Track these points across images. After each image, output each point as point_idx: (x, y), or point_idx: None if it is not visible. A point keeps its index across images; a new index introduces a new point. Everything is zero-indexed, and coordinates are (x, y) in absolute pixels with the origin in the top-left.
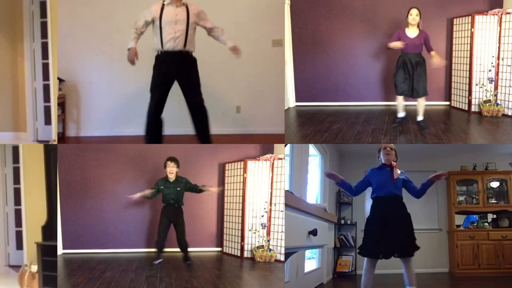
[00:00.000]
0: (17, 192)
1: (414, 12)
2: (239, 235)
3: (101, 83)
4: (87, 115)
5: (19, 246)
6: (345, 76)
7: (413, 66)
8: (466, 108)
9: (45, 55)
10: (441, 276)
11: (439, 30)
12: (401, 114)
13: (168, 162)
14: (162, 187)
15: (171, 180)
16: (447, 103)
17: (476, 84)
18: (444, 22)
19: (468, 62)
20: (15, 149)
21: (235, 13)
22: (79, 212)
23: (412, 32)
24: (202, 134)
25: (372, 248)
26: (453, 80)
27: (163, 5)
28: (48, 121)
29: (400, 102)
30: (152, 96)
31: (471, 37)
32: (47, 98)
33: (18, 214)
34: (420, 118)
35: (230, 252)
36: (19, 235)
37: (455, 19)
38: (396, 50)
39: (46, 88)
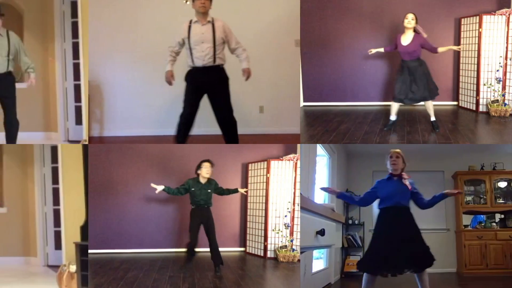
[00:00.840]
0: (55, 192)
1: (410, 16)
2: (262, 235)
3: (124, 84)
4: (110, 116)
5: (58, 246)
6: (353, 76)
7: (412, 72)
8: (474, 108)
9: (75, 55)
10: (449, 276)
11: (446, 30)
12: (393, 117)
13: (205, 164)
14: (193, 188)
15: (203, 182)
16: (455, 103)
17: (484, 84)
18: (451, 22)
19: (476, 62)
20: (54, 149)
21: (258, 14)
22: (102, 212)
23: (406, 38)
24: (231, 141)
25: (376, 264)
26: (461, 80)
27: (190, 24)
28: (79, 121)
29: (394, 106)
30: (184, 109)
31: (479, 37)
32: (78, 98)
33: (56, 214)
34: (432, 118)
35: (253, 252)
36: (57, 235)
37: (462, 19)
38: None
39: (77, 88)
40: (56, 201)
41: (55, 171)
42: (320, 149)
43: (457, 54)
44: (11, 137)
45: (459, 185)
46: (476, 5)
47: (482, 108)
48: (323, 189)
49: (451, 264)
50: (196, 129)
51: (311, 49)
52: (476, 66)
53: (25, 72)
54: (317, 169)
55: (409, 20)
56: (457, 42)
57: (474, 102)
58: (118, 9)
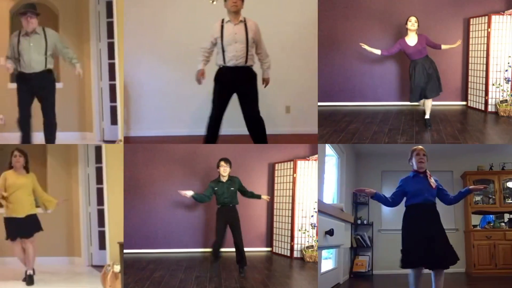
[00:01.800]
0: (99, 192)
1: (413, 19)
2: (289, 235)
3: (150, 84)
4: (136, 116)
5: (102, 246)
6: (361, 76)
7: (424, 68)
8: (483, 108)
9: (111, 55)
10: (458, 276)
11: (455, 30)
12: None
13: (222, 163)
14: (216, 188)
15: (224, 180)
16: (464, 103)
17: (493, 84)
18: (460, 22)
19: (484, 62)
20: (98, 149)
21: (285, 13)
22: (129, 212)
23: (412, 39)
24: (259, 141)
25: (416, 257)
26: (469, 80)
27: (222, 24)
28: (114, 121)
29: (427, 105)
30: (213, 109)
31: (488, 37)
32: (113, 98)
33: (101, 214)
34: (427, 116)
35: (279, 252)
36: (102, 235)
37: (471, 19)
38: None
39: (112, 88)
40: (100, 201)
41: (99, 171)
42: (329, 149)
43: (466, 54)
44: (50, 137)
45: (468, 185)
46: (485, 5)
47: (491, 108)
48: (357, 190)
49: (460, 264)
50: (223, 129)
51: (320, 49)
52: (485, 66)
53: (70, 64)
54: (326, 168)
55: (413, 23)
56: (466, 42)
57: (483, 102)
58: (143, 9)
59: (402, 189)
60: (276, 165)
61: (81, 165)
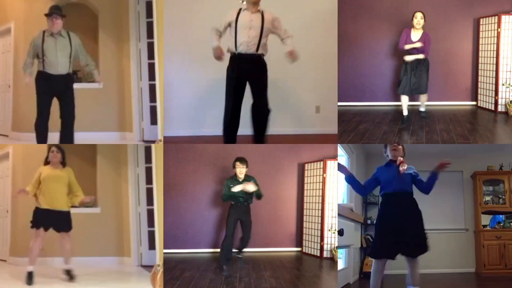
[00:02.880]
0: (149, 192)
1: (419, 15)
2: (319, 235)
3: (179, 84)
4: (165, 116)
5: (152, 246)
6: (371, 76)
7: (415, 66)
8: (493, 108)
9: (150, 55)
10: (468, 276)
11: (465, 30)
12: (405, 112)
13: (237, 163)
14: (231, 185)
15: (240, 180)
16: (474, 103)
17: (503, 84)
18: (470, 22)
19: (494, 62)
20: (148, 150)
21: (310, 12)
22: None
23: (416, 35)
24: (258, 135)
25: (382, 249)
26: (479, 80)
27: (239, 10)
28: (154, 121)
29: (404, 100)
30: (227, 101)
31: (498, 37)
32: (153, 98)
33: (150, 214)
34: (422, 109)
35: (309, 252)
36: (151, 236)
37: (481, 19)
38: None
39: (152, 88)
40: (149, 201)
41: (148, 171)
42: (339, 149)
43: (475, 54)
44: (67, 138)
45: (478, 185)
46: (494, 5)
47: (500, 108)
48: (339, 167)
49: (470, 264)
50: (247, 130)
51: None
52: (494, 66)
53: (89, 72)
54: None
55: (418, 20)
56: (476, 42)
57: (493, 102)
58: (171, 9)
59: (375, 177)
60: (306, 165)
61: (130, 165)
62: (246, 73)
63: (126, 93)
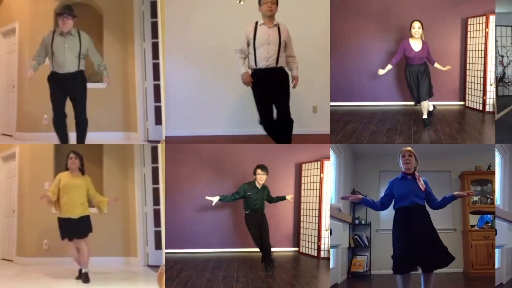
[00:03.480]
0: (155, 192)
1: (416, 25)
2: (316, 235)
3: (179, 84)
4: (169, 116)
5: (158, 246)
6: (359, 76)
7: (417, 76)
8: (481, 108)
9: (155, 55)
10: (456, 276)
11: (453, 30)
12: (430, 107)
13: (258, 170)
14: (249, 192)
15: (259, 187)
16: (462, 103)
17: (491, 84)
18: (458, 22)
19: (482, 62)
20: (154, 150)
21: (315, 13)
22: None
23: (416, 44)
24: (284, 141)
25: (407, 263)
26: (467, 80)
27: (256, 25)
28: (158, 121)
29: (423, 105)
30: (261, 115)
31: (486, 37)
32: (157, 98)
33: (157, 214)
34: (425, 116)
35: (306, 252)
36: (157, 235)
37: (469, 19)
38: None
39: (157, 88)
40: (156, 201)
41: (155, 171)
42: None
43: (463, 54)
44: (80, 137)
45: (466, 185)
46: (482, 5)
47: (488, 108)
48: (344, 198)
49: (457, 264)
50: (250, 130)
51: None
52: (482, 66)
53: (98, 69)
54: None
55: (416, 30)
56: (464, 42)
57: (481, 102)
58: (169, 8)
59: (390, 191)
60: (303, 165)
61: (137, 165)
62: (269, 86)
63: (131, 93)
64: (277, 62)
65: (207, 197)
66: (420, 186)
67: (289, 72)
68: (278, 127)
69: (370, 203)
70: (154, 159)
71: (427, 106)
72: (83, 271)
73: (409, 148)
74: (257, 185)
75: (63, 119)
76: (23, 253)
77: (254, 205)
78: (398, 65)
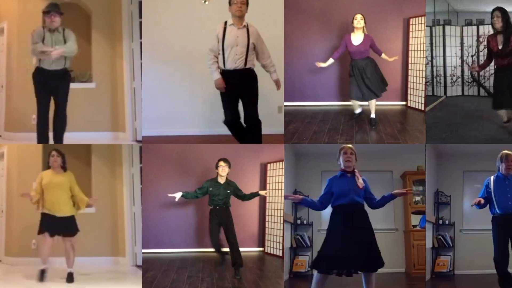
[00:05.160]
0: None
1: (358, 16)
2: (281, 235)
3: (153, 84)
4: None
5: None
6: (301, 76)
7: (361, 71)
8: (422, 108)
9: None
10: (398, 276)
11: (395, 30)
12: (358, 110)
13: (221, 163)
14: (210, 188)
15: (221, 182)
16: (404, 103)
17: (426, 83)
18: (400, 22)
19: (424, 62)
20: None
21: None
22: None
23: (357, 38)
24: (253, 142)
25: (330, 263)
26: (409, 80)
27: (225, 26)
28: None
29: (355, 103)
30: (226, 115)
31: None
32: None
33: None
34: (373, 116)
35: (271, 252)
36: None
37: (411, 19)
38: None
39: None
40: None
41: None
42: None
43: (405, 54)
44: (58, 137)
45: (408, 185)
46: (424, 5)
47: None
48: (286, 197)
49: (399, 264)
50: (214, 129)
51: None
52: (424, 66)
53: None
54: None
55: (358, 21)
56: (406, 41)
57: (423, 102)
58: (150, 10)
59: (329, 189)
60: (268, 165)
61: (125, 165)
62: (237, 88)
63: (119, 93)
64: (245, 63)
65: (169, 194)
66: (359, 184)
67: (259, 74)
68: (242, 128)
69: (309, 203)
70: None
71: (374, 104)
72: (68, 271)
73: (350, 146)
74: (220, 179)
75: (45, 118)
76: (12, 253)
77: (217, 200)
78: (341, 65)
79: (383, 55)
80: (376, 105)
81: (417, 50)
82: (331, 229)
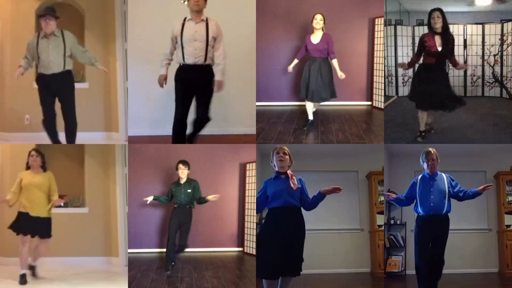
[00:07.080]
0: None
1: (318, 17)
2: None
3: (137, 84)
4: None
5: None
6: (266, 76)
7: (317, 69)
8: (382, 107)
9: None
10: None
11: (360, 30)
12: (311, 116)
13: (180, 165)
14: (174, 189)
15: (182, 182)
16: (369, 103)
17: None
18: (365, 22)
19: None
20: None
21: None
22: None
23: (316, 37)
24: (191, 136)
25: (273, 268)
26: (374, 80)
27: (184, 21)
28: None
29: (309, 106)
30: (177, 110)
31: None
32: None
33: None
34: (311, 117)
35: (251, 252)
36: None
37: (376, 19)
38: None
39: None
40: None
41: None
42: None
43: (371, 54)
44: (70, 138)
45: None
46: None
47: None
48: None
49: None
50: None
51: None
52: (383, 66)
53: (92, 65)
54: None
55: (318, 21)
56: (371, 41)
57: (382, 101)
58: (134, 10)
59: (264, 191)
60: (247, 165)
61: (118, 165)
62: (193, 83)
63: (112, 93)
64: (205, 59)
65: (144, 198)
66: (291, 185)
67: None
68: (185, 129)
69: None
70: None
71: (315, 107)
72: (32, 263)
73: (283, 146)
74: (180, 180)
75: (53, 120)
76: (4, 253)
77: (179, 200)
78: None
79: (334, 62)
80: (342, 105)
81: (383, 50)
82: (264, 233)
